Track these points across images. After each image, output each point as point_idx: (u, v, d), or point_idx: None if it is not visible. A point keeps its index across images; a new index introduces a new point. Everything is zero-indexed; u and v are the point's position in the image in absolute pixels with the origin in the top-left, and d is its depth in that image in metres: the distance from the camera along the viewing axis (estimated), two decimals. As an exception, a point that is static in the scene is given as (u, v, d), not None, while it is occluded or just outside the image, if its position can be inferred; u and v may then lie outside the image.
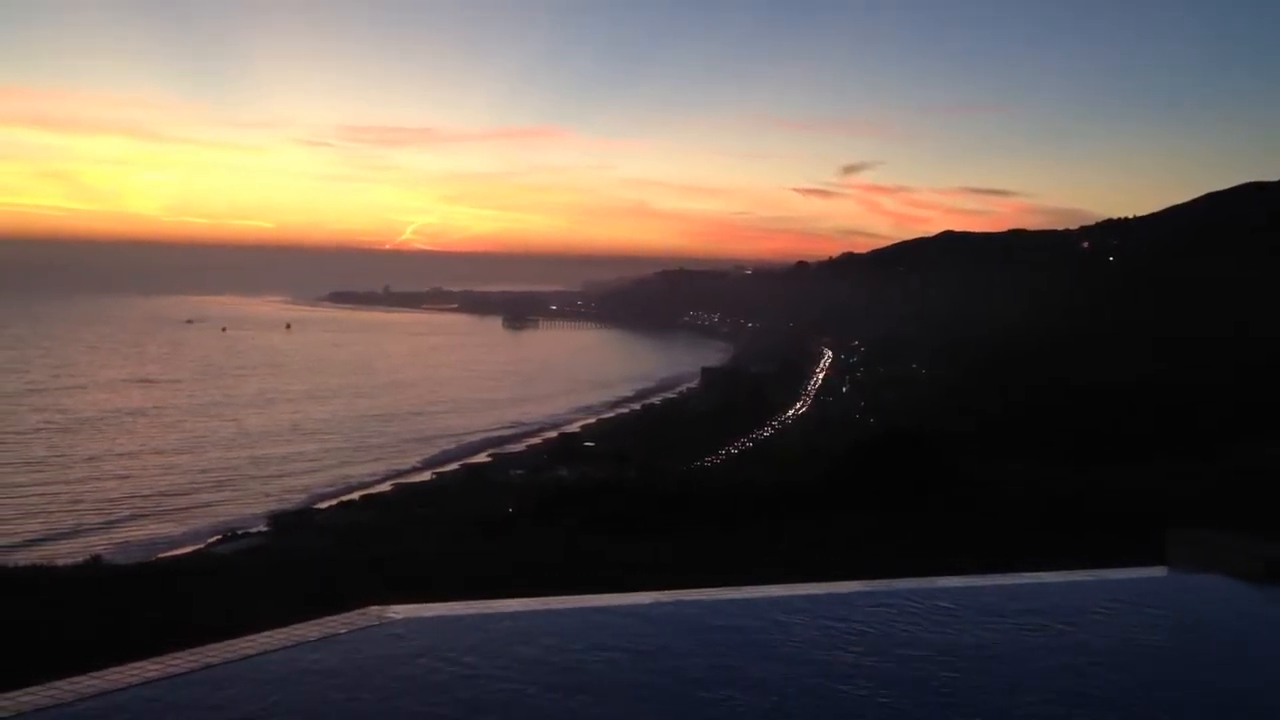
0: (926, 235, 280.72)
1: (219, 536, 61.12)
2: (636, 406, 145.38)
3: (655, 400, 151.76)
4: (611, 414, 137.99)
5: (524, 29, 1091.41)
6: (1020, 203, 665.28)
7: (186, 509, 74.30)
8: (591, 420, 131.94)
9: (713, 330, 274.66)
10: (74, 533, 63.59)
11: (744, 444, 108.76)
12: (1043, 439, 62.94)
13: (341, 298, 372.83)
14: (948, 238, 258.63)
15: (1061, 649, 7.77)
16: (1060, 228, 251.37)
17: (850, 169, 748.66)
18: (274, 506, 73.91)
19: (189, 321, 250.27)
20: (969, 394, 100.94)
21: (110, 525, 67.57)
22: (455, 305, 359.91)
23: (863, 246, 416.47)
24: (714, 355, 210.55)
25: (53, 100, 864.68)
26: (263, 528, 66.11)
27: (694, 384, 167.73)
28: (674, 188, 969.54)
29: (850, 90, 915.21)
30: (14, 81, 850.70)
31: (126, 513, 72.23)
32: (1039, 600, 9.21)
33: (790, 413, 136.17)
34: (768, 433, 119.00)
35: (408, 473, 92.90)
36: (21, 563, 25.34)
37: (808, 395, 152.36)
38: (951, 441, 46.54)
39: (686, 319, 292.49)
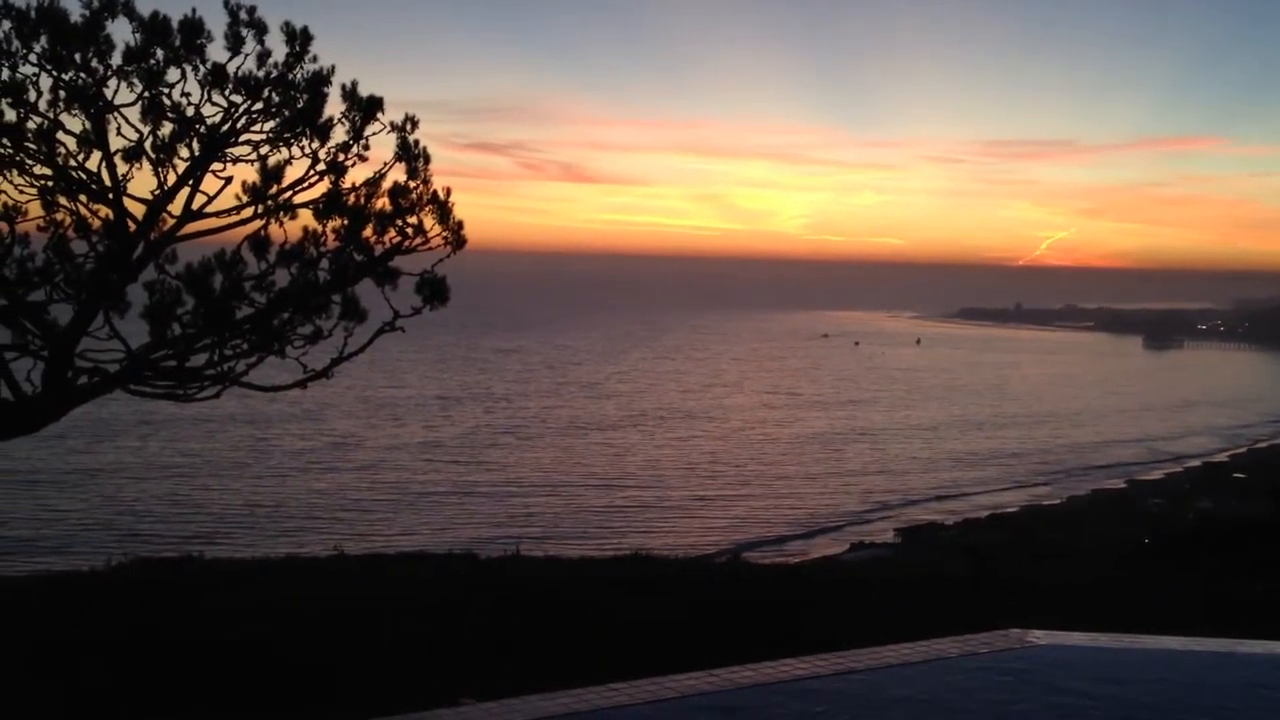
0: None
1: (849, 545, 63.38)
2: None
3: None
4: (1267, 444, 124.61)
5: (1172, 35, 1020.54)
6: None
7: (821, 521, 77.37)
8: (1242, 449, 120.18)
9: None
10: (722, 542, 67.41)
11: None
12: None
13: (970, 314, 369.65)
14: None
15: None
16: None
17: None
18: (901, 521, 75.13)
19: (824, 336, 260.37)
20: None
21: (748, 540, 71.19)
22: (1090, 324, 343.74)
23: None
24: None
25: (709, 131, 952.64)
26: (890, 539, 67.70)
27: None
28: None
29: None
30: (678, 116, 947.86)
31: (769, 524, 76.32)
32: None
33: None
34: None
35: (1036, 492, 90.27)
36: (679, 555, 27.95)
37: None
38: None
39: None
